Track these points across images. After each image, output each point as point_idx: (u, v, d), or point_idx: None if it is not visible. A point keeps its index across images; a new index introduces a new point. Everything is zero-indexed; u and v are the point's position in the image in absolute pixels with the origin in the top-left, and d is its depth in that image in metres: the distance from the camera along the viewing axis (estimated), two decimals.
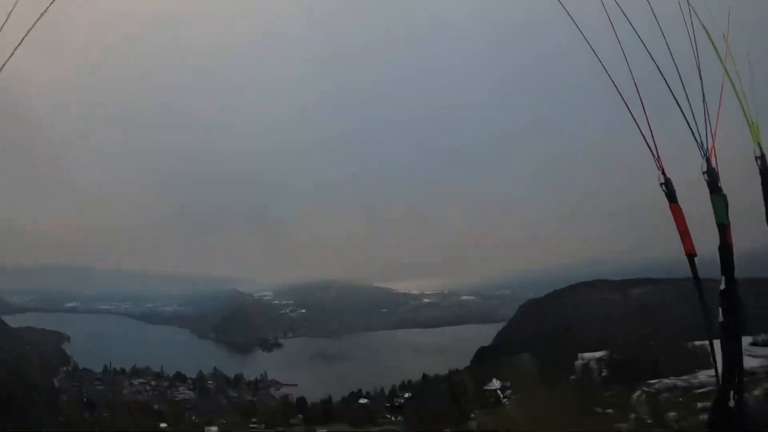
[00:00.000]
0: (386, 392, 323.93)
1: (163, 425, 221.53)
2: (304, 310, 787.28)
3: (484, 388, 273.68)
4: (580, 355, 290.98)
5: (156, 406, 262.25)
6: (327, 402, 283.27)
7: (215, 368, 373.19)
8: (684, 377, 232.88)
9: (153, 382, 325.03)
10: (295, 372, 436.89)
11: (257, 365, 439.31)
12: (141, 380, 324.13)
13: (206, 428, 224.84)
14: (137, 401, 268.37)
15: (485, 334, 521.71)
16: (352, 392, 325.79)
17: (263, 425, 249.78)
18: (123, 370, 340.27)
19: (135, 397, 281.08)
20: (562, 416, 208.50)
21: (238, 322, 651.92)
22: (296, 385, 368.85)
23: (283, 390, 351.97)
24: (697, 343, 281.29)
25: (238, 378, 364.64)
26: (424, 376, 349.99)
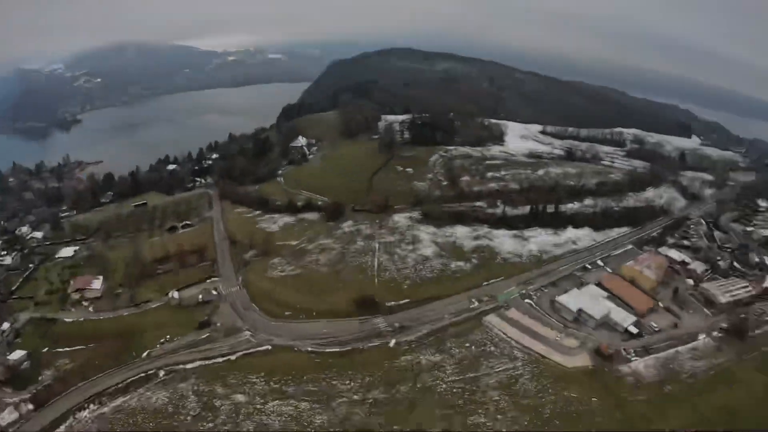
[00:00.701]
0: (194, 155, 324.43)
1: None
2: (100, 79, 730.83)
3: (291, 145, 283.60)
4: (383, 116, 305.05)
5: None
6: (135, 174, 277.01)
7: (14, 163, 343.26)
8: (478, 148, 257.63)
9: None
10: (99, 147, 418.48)
11: (58, 148, 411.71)
12: None
13: (18, 230, 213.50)
14: None
15: (292, 92, 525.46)
16: (160, 160, 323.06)
17: (74, 211, 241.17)
18: None
19: None
20: (364, 172, 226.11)
21: (29, 105, 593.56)
22: (101, 161, 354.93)
23: (89, 169, 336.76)
24: (493, 120, 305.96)
25: (40, 167, 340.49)
26: (231, 135, 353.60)
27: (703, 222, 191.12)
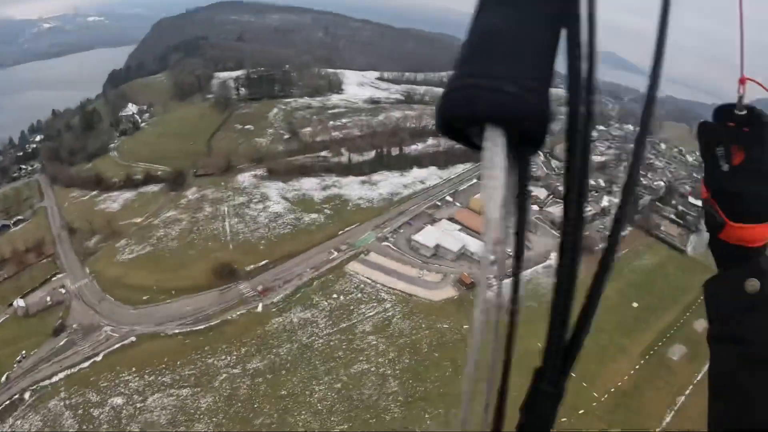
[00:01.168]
0: (15, 141, 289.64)
1: None
2: None
3: (120, 114, 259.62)
4: (216, 74, 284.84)
5: None
6: None
7: None
8: (318, 98, 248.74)
9: None
10: None
11: None
12: None
13: None
14: None
15: (117, 57, 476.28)
16: None
17: None
18: None
19: None
20: (202, 135, 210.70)
21: None
22: None
23: None
24: (330, 70, 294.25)
25: None
26: (54, 112, 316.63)
27: (540, 153, 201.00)
